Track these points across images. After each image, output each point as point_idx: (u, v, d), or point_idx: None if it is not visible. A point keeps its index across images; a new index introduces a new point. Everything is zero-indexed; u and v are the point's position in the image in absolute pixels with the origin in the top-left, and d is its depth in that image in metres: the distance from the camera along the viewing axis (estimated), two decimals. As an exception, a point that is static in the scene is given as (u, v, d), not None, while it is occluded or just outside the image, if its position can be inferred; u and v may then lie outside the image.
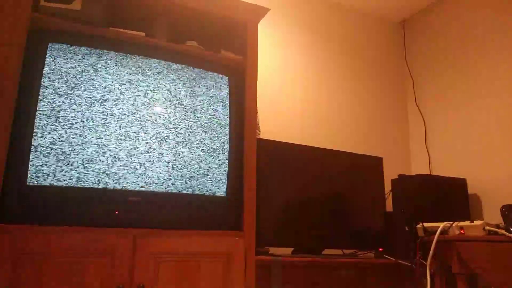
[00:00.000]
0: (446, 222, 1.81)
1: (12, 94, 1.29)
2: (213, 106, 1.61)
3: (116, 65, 1.47)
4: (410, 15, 3.07)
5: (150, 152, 1.46)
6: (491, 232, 1.69)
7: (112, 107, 1.43)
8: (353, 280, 1.87)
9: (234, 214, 1.57)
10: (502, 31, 2.42)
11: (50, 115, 1.34)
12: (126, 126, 1.44)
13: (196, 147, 1.54)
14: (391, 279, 1.97)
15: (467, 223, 1.75)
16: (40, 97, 1.33)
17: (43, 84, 1.35)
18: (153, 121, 1.48)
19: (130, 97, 1.46)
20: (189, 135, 1.54)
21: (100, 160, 1.37)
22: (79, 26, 1.46)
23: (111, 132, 1.41)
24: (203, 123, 1.58)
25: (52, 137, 1.33)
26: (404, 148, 2.93)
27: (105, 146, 1.39)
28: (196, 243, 1.45)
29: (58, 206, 1.30)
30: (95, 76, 1.43)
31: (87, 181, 1.35)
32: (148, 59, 1.53)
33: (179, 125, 1.53)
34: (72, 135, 1.35)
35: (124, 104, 1.45)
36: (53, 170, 1.31)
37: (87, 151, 1.36)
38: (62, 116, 1.35)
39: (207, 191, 1.53)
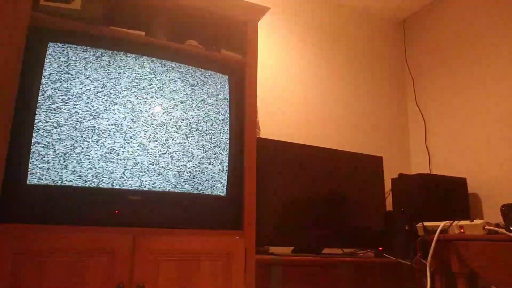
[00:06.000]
0: (446, 221, 1.81)
1: (12, 94, 1.29)
2: (213, 105, 1.61)
3: (115, 64, 1.47)
4: (410, 15, 3.07)
5: (150, 151, 1.46)
6: (491, 231, 1.68)
7: (112, 106, 1.43)
8: (353, 279, 1.87)
9: (234, 213, 1.57)
10: (502, 30, 2.42)
11: (50, 114, 1.34)
12: (126, 125, 1.44)
13: (196, 147, 1.54)
14: (391, 278, 1.97)
15: (467, 222, 1.75)
16: (40, 97, 1.33)
17: (43, 83, 1.35)
18: (153, 121, 1.48)
19: (130, 96, 1.46)
20: (189, 134, 1.54)
21: (100, 159, 1.37)
22: (78, 25, 1.46)
23: (111, 132, 1.41)
24: (203, 122, 1.58)
25: (52, 137, 1.33)
26: (404, 148, 2.93)
27: (106, 145, 1.39)
28: (196, 242, 1.45)
29: (58, 205, 1.30)
30: (95, 75, 1.43)
31: (87, 180, 1.35)
32: (148, 58, 1.53)
33: (179, 124, 1.53)
34: (72, 134, 1.35)
35: (124, 103, 1.45)
36: (53, 169, 1.31)
37: (87, 150, 1.36)
38: (62, 116, 1.35)
39: (207, 190, 1.53)
